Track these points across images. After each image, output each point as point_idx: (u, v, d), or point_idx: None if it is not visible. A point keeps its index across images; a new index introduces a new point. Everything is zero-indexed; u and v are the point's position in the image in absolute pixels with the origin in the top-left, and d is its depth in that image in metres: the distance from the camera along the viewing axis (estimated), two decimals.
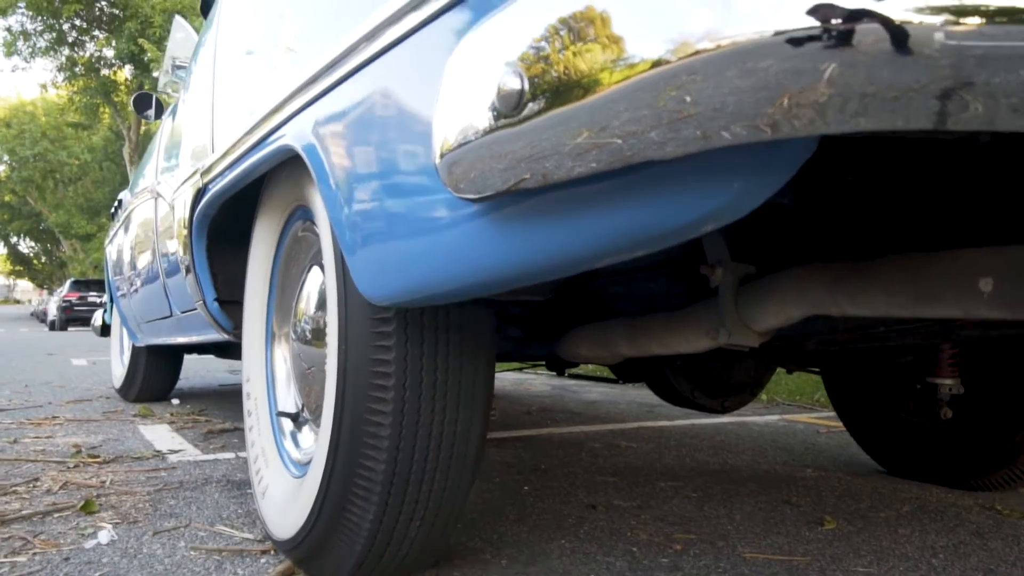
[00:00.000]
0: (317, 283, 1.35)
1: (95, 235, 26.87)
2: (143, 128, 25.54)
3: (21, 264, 57.29)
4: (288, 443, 1.40)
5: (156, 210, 2.34)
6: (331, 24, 1.07)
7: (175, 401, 3.52)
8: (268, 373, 1.52)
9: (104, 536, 1.40)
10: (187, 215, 1.70)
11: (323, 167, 0.99)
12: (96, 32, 24.48)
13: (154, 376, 3.53)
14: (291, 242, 1.44)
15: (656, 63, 0.51)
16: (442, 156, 0.69)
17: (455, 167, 0.68)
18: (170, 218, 2.03)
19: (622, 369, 2.01)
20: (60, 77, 24.66)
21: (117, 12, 23.39)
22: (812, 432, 2.85)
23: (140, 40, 18.11)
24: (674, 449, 2.41)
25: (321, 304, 1.31)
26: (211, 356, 3.45)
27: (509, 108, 0.60)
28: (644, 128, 0.53)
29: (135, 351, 3.49)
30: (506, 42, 0.61)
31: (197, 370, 5.50)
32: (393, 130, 0.85)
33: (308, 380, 1.36)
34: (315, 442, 1.28)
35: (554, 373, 2.33)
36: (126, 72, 24.81)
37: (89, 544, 1.38)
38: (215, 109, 1.65)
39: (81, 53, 24.17)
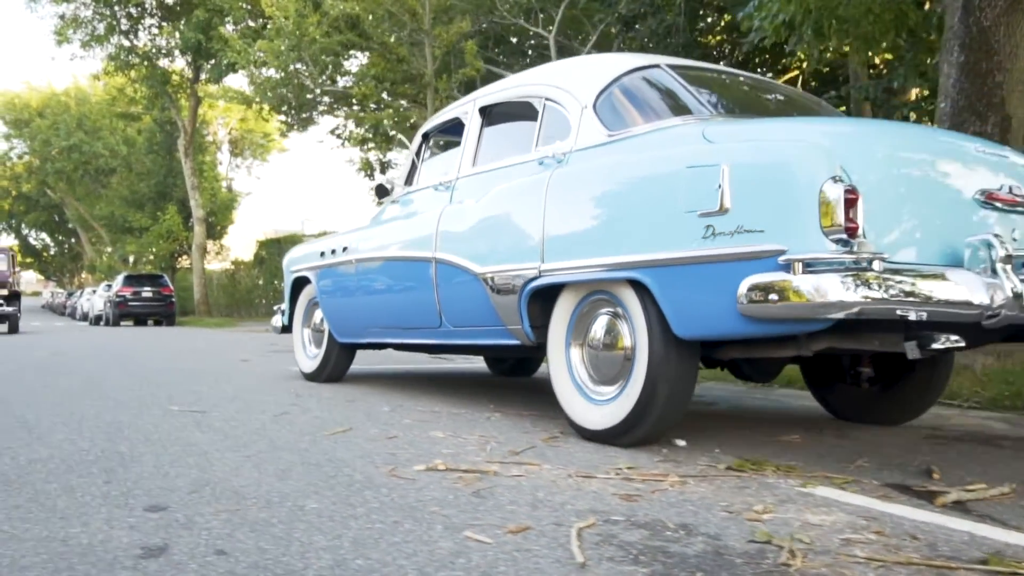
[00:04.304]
0: (606, 323, 2.82)
1: (148, 228, 26.06)
2: (198, 121, 24.80)
3: (31, 255, 56.31)
4: (589, 389, 2.87)
5: (435, 271, 3.56)
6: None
7: (680, 442, 2.84)
8: (568, 362, 2.93)
9: None
10: (516, 284, 3.05)
11: (665, 287, 2.45)
12: (148, 20, 23.69)
13: (340, 364, 4.85)
14: (584, 307, 2.90)
15: None
16: (745, 301, 2.19)
17: (759, 307, 2.15)
18: (469, 281, 3.31)
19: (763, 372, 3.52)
20: (111, 66, 23.74)
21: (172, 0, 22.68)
22: None
23: (220, 29, 17.33)
24: None
25: (610, 331, 2.80)
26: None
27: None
28: None
29: (329, 345, 4.76)
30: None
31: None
32: (708, 283, 2.32)
33: (602, 363, 2.83)
34: (616, 388, 2.74)
35: None
36: (180, 62, 24.06)
37: None
38: (546, 231, 2.93)
39: (135, 42, 23.36)
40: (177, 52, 22.94)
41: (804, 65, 13.73)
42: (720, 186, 2.26)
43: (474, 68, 12.92)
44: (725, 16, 13.74)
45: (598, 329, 2.83)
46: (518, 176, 3.24)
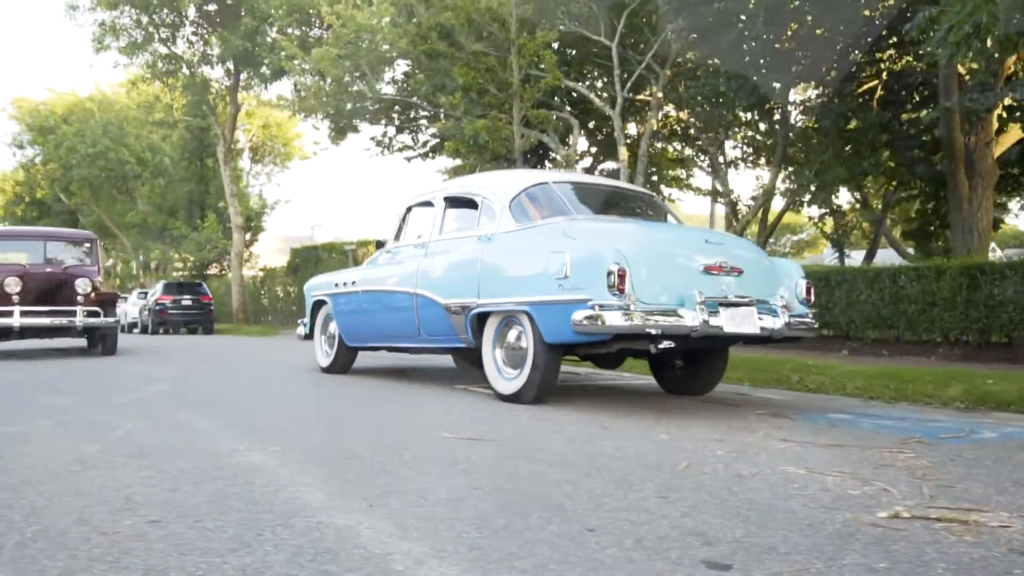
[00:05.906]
0: (515, 334, 4.85)
1: (187, 236, 25.89)
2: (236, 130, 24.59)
3: None
4: (504, 371, 4.92)
5: (416, 301, 5.60)
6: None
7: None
8: (494, 356, 4.98)
9: None
10: (464, 310, 5.09)
11: (540, 316, 4.51)
12: (188, 28, 23.54)
13: (347, 361, 6.91)
14: (502, 324, 4.95)
15: None
16: (575, 324, 4.20)
17: (580, 327, 4.19)
18: (436, 307, 5.36)
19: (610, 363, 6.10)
20: (149, 74, 23.56)
21: (214, 8, 22.53)
22: None
23: (272, 35, 17.21)
24: None
25: (517, 339, 4.82)
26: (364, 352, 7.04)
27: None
28: None
29: (339, 348, 6.83)
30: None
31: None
32: (560, 314, 4.33)
33: (512, 357, 4.89)
34: (518, 371, 4.78)
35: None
36: (219, 71, 23.95)
37: None
38: (480, 280, 4.98)
39: (175, 50, 23.20)
40: (217, 60, 22.77)
41: (883, 76, 13.70)
42: (565, 264, 4.32)
43: (555, 78, 12.81)
44: (792, 25, 13.68)
45: (511, 337, 4.87)
46: (466, 245, 5.35)
